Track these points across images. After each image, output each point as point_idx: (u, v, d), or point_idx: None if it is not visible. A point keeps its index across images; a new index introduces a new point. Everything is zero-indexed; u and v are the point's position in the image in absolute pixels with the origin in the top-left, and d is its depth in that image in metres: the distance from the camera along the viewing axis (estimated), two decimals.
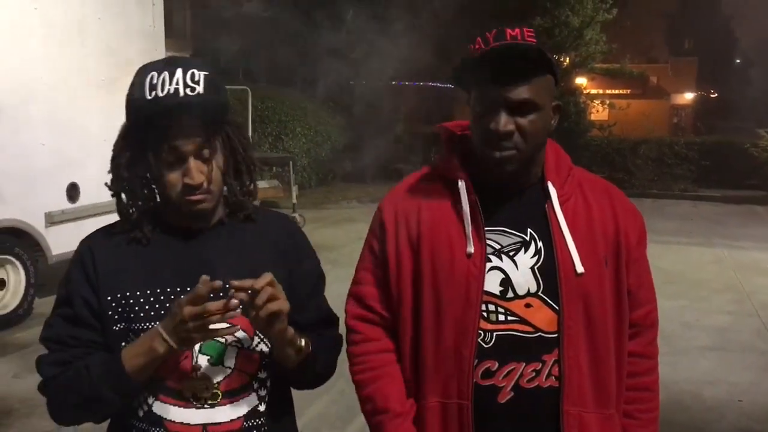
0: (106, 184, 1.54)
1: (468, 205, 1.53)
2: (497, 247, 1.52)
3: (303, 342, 1.50)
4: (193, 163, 1.46)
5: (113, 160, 1.52)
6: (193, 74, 1.46)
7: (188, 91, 1.44)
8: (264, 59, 15.42)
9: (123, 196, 1.53)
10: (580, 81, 17.82)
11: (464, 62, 1.51)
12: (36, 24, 5.98)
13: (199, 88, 1.44)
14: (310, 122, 15.73)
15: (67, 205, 6.31)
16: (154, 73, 1.45)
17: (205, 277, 1.36)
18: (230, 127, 1.55)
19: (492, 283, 1.50)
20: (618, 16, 16.42)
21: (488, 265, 1.51)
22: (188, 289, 1.43)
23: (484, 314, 1.49)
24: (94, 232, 1.59)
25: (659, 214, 12.80)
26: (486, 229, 1.52)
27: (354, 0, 16.22)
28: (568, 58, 16.81)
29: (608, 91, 20.72)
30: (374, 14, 16.72)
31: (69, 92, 6.32)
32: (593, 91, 19.39)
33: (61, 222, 6.23)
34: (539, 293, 1.49)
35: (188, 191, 1.47)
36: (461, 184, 1.56)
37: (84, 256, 1.52)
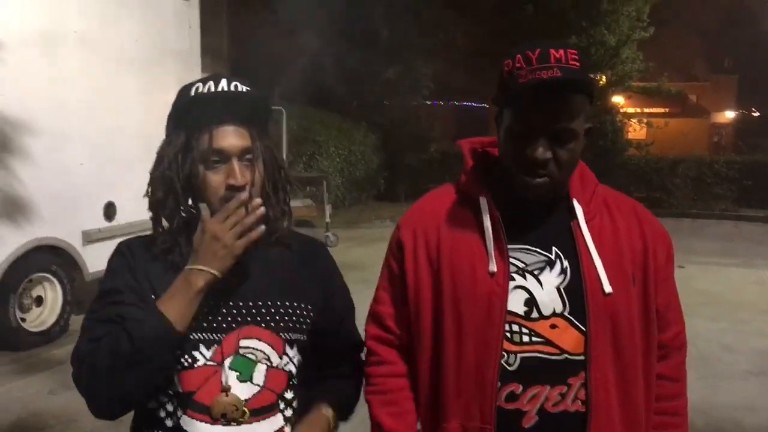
0: (148, 188, 1.53)
1: (490, 222, 1.50)
2: (521, 265, 1.48)
3: (333, 419, 1.58)
4: (236, 163, 1.47)
5: (155, 166, 1.52)
6: (236, 84, 1.52)
7: (232, 90, 1.50)
8: (299, 80, 15.60)
9: (162, 204, 1.51)
10: (617, 99, 17.63)
11: (505, 84, 1.44)
12: (75, 46, 6.13)
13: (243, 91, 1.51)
14: (344, 142, 15.82)
15: (104, 223, 6.43)
16: (199, 84, 1.52)
17: (205, 212, 1.44)
18: (269, 141, 1.57)
19: (516, 302, 1.46)
20: (655, 34, 16.25)
21: (512, 284, 1.47)
22: (229, 302, 1.49)
23: (508, 335, 1.45)
24: (132, 239, 1.59)
25: (699, 235, 12.54)
26: (509, 246, 1.49)
27: (389, 20, 16.34)
28: (604, 77, 16.65)
29: (646, 110, 20.45)
30: (409, 34, 16.83)
31: (107, 113, 6.45)
32: (630, 110, 19.17)
33: (98, 240, 6.33)
34: (565, 313, 1.45)
35: (231, 194, 1.46)
36: (483, 201, 1.53)
37: (125, 254, 1.52)
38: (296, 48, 16.53)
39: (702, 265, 9.25)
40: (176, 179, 1.49)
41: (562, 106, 1.40)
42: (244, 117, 1.50)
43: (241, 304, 1.51)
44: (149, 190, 1.54)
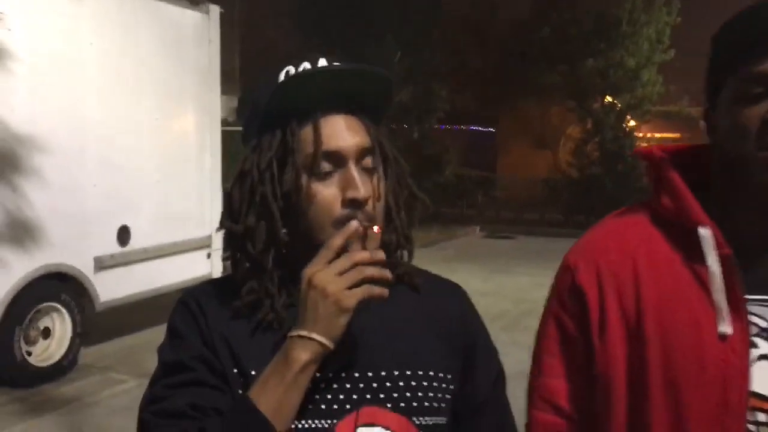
0: (226, 214, 1.10)
1: (718, 264, 1.05)
2: (766, 326, 1.04)
3: None
4: (354, 169, 1.04)
5: (238, 182, 1.08)
6: (340, 64, 1.10)
7: (339, 67, 1.08)
8: None
9: (251, 235, 1.07)
10: (635, 123, 17.27)
11: (722, 43, 1.07)
12: (91, 60, 5.76)
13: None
14: None
15: (117, 248, 5.98)
16: (289, 67, 1.10)
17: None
18: (387, 141, 1.14)
19: (763, 380, 1.02)
20: (677, 57, 15.93)
21: (754, 352, 1.03)
22: (341, 374, 1.05)
23: (752, 428, 1.01)
24: (201, 286, 1.15)
25: None
26: (747, 298, 1.05)
27: (402, 43, 16.06)
28: (622, 100, 16.33)
29: (666, 135, 20.10)
30: (422, 57, 16.55)
31: (122, 131, 6.05)
32: (649, 134, 18.84)
33: (111, 267, 5.90)
34: None
35: (351, 213, 1.03)
36: (705, 233, 1.06)
37: (193, 310, 1.08)
38: None
39: None
40: (272, 198, 1.06)
41: None
42: (359, 103, 1.08)
43: (356, 375, 1.07)
44: (229, 216, 1.10)
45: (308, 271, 0.97)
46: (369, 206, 1.04)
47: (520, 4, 18.70)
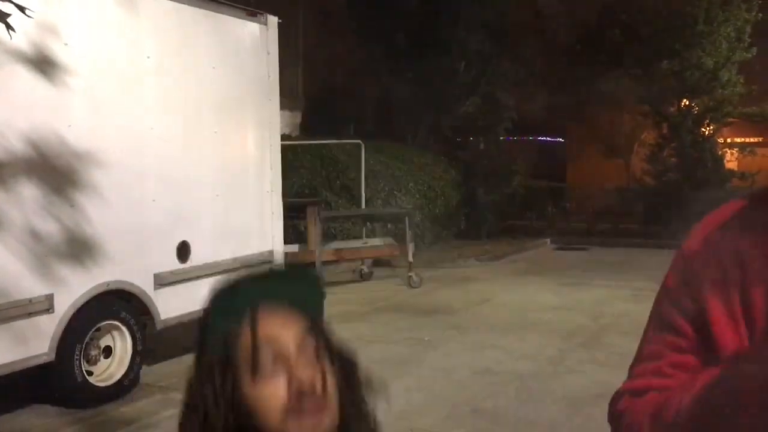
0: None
1: None
2: None
3: None
4: (296, 355, 0.98)
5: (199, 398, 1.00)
6: None
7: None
8: (376, 114, 15.14)
9: None
10: (715, 127, 16.37)
11: None
12: (149, 73, 5.68)
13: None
14: (423, 177, 15.15)
15: (177, 265, 5.87)
16: None
17: None
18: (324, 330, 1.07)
19: None
20: (758, 54, 15.05)
21: None
22: None
23: None
24: None
25: None
26: None
27: (466, 53, 15.78)
28: (700, 103, 15.52)
29: (749, 139, 19.05)
30: (488, 66, 16.21)
31: (181, 145, 5.96)
32: (729, 139, 17.86)
33: (171, 283, 5.78)
34: None
35: (298, 403, 0.96)
36: None
37: None
38: (372, 82, 16.10)
39: None
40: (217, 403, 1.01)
41: None
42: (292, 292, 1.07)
43: None
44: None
45: None
46: (318, 391, 0.97)
47: (586, 9, 18.12)
